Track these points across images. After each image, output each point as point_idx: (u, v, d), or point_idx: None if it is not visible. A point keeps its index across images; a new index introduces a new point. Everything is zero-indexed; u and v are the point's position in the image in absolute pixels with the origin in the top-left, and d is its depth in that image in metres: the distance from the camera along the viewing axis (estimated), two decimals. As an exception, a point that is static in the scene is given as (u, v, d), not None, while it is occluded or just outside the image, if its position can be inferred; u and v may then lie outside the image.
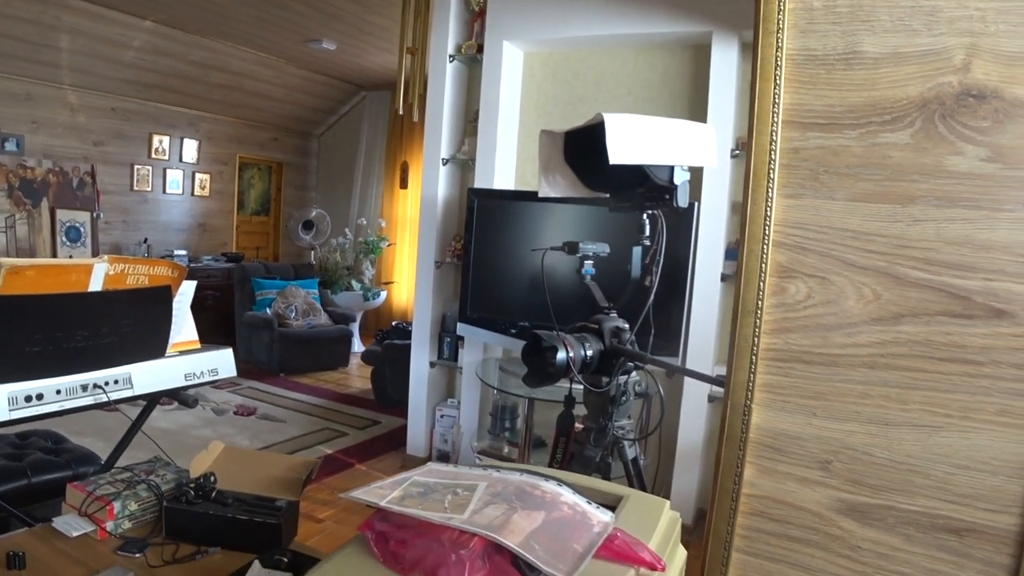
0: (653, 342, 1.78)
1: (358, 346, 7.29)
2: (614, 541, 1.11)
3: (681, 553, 1.36)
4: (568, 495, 1.14)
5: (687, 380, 3.39)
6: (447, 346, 4.12)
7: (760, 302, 0.89)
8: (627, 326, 1.75)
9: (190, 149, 7.73)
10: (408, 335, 4.53)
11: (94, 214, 6.71)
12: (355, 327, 7.34)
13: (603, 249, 1.86)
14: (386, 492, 1.08)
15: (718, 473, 0.87)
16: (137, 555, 1.76)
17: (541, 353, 1.57)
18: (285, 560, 1.60)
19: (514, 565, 0.97)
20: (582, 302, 1.90)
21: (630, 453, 1.72)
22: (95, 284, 2.10)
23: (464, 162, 4.07)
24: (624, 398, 1.71)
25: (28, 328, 1.99)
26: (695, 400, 3.40)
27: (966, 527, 0.77)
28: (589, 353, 1.65)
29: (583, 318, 1.82)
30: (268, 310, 6.53)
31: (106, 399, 2.19)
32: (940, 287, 0.81)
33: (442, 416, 4.07)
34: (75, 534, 1.83)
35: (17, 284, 1.91)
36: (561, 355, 1.57)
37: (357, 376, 6.53)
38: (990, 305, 0.79)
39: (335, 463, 4.13)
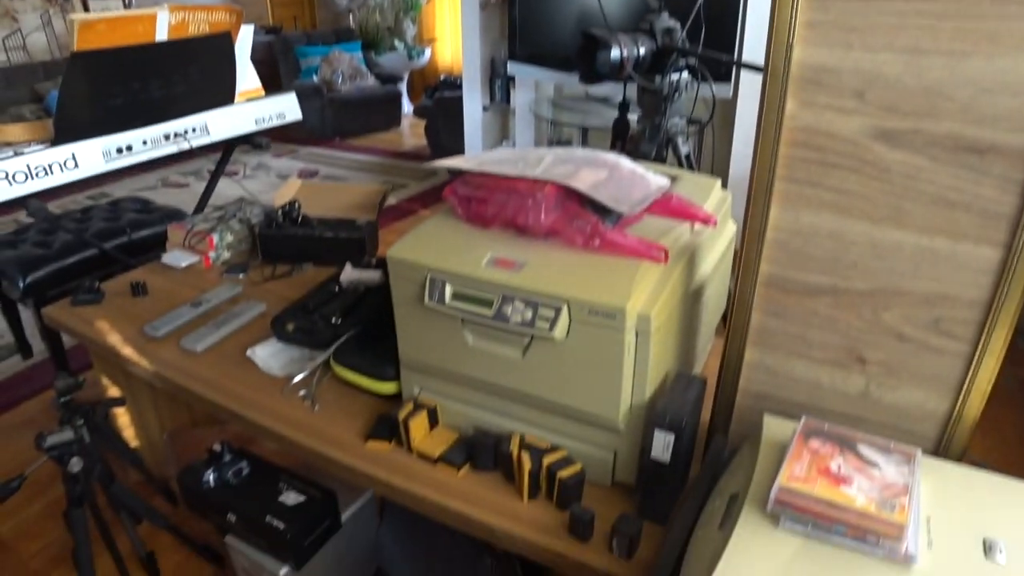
0: (704, 41, 1.79)
1: (408, 106, 7.30)
2: (671, 201, 1.23)
3: (731, 227, 1.48)
4: (628, 162, 1.24)
5: (740, 108, 3.36)
6: (499, 88, 4.13)
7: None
8: (678, 25, 1.76)
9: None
10: (457, 87, 4.52)
11: None
12: (403, 87, 7.30)
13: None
14: (465, 162, 1.21)
15: (763, 110, 0.94)
16: (241, 275, 1.98)
17: (595, 51, 1.61)
18: (373, 261, 1.79)
19: (582, 208, 1.10)
20: (632, 12, 1.88)
21: (684, 149, 1.80)
22: (161, 33, 2.17)
23: None
24: (677, 95, 1.75)
25: (106, 81, 2.09)
26: (747, 126, 3.39)
27: (987, 147, 0.84)
28: (642, 51, 1.68)
29: (633, 26, 1.82)
30: (315, 77, 6.51)
31: (188, 146, 2.33)
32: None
33: (498, 160, 4.16)
34: (183, 264, 2.05)
35: (90, 38, 1.99)
36: (615, 52, 1.60)
37: (410, 134, 6.62)
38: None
39: (399, 211, 4.34)
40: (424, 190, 4.74)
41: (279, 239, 2.00)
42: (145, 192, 4.68)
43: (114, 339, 1.69)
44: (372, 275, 1.72)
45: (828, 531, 0.77)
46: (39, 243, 2.43)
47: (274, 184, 5.04)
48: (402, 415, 1.25)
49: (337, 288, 1.70)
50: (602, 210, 1.10)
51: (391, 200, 4.51)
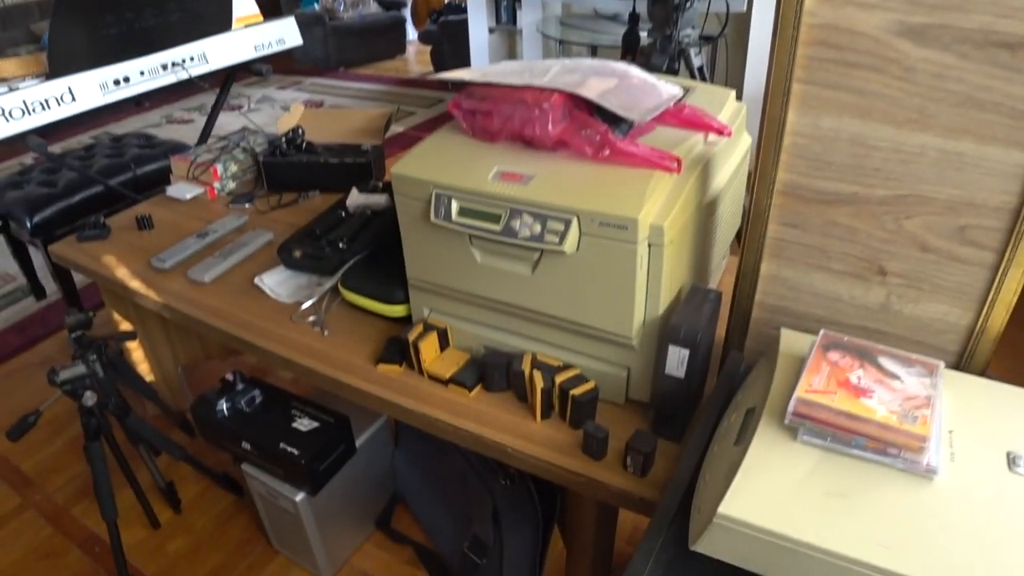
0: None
1: (412, 33, 7.11)
2: (683, 111, 1.18)
3: (746, 139, 1.43)
4: (638, 71, 1.18)
5: (755, 21, 3.24)
6: (504, 10, 4.01)
7: None
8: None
9: None
10: (462, 10, 4.38)
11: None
12: (406, 12, 7.10)
13: None
14: (469, 74, 1.16)
15: (779, 6, 0.88)
16: (247, 205, 1.95)
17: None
18: (380, 184, 1.75)
19: (591, 117, 1.05)
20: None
21: (696, 62, 1.74)
22: (148, -46, 2.09)
23: None
24: (688, 4, 1.68)
25: (98, 10, 2.03)
26: (762, 39, 3.28)
27: (1019, 41, 0.79)
28: (651, -42, 1.60)
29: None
30: (316, 6, 6.35)
31: (187, 75, 2.27)
32: None
33: (506, 84, 4.06)
34: (188, 196, 2.02)
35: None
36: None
37: (416, 61, 6.48)
38: None
39: (407, 139, 4.27)
40: (432, 117, 4.66)
41: (283, 167, 1.96)
42: (150, 130, 4.62)
43: (122, 273, 1.67)
44: (379, 199, 1.68)
45: (847, 444, 0.75)
46: (44, 183, 2.41)
47: (279, 116, 4.96)
48: (412, 337, 1.24)
49: (344, 213, 1.67)
50: (612, 119, 1.05)
51: (398, 128, 4.44)
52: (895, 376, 0.81)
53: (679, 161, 1.03)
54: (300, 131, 2.00)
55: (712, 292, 1.08)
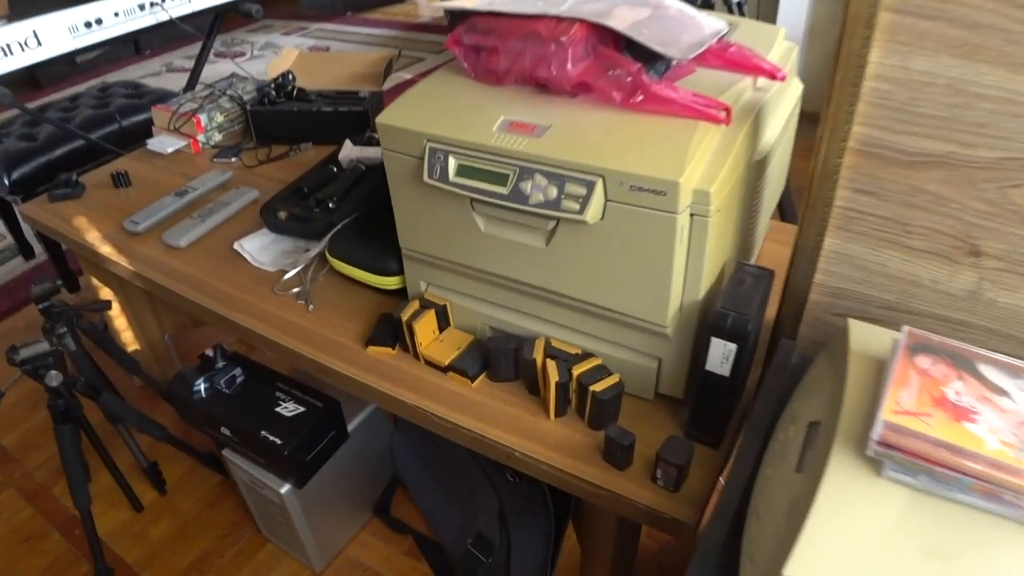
0: None
1: (424, -24, 6.82)
2: (728, 50, 0.98)
3: (797, 85, 1.23)
4: (674, 1, 0.99)
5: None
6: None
7: None
8: None
9: None
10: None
11: None
12: (417, -46, 6.80)
13: None
14: (473, 1, 0.96)
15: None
16: (233, 159, 1.78)
17: None
18: (375, 136, 1.56)
19: (620, 54, 0.86)
20: None
21: (735, -3, 1.53)
22: None
23: None
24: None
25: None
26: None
27: None
28: None
29: None
30: (323, -56, 6.06)
31: (167, 16, 2.08)
32: None
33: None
34: (170, 150, 1.84)
35: None
36: None
37: (426, 6, 6.19)
38: None
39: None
40: (442, 63, 4.42)
41: (273, 116, 1.78)
42: (148, 79, 4.41)
43: (92, 236, 1.51)
44: (374, 152, 1.50)
45: (949, 485, 0.58)
46: (24, 136, 2.23)
47: (284, 62, 4.73)
48: (406, 316, 1.07)
49: (335, 169, 1.50)
50: (645, 57, 0.86)
51: (405, 75, 4.21)
52: (1002, 391, 0.64)
53: (728, 110, 0.84)
54: (291, 77, 1.82)
55: (763, 272, 0.90)
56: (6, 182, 2.07)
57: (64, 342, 1.45)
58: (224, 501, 1.69)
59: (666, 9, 0.92)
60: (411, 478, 1.56)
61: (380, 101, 1.77)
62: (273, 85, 1.81)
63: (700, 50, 0.88)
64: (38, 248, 2.63)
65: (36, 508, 1.73)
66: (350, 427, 1.38)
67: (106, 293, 1.75)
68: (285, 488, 1.31)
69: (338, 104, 1.73)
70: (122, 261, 1.42)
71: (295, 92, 1.79)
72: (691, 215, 0.81)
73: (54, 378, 1.33)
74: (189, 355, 2.01)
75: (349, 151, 1.52)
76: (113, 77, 4.49)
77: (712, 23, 0.96)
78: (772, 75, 0.98)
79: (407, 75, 4.23)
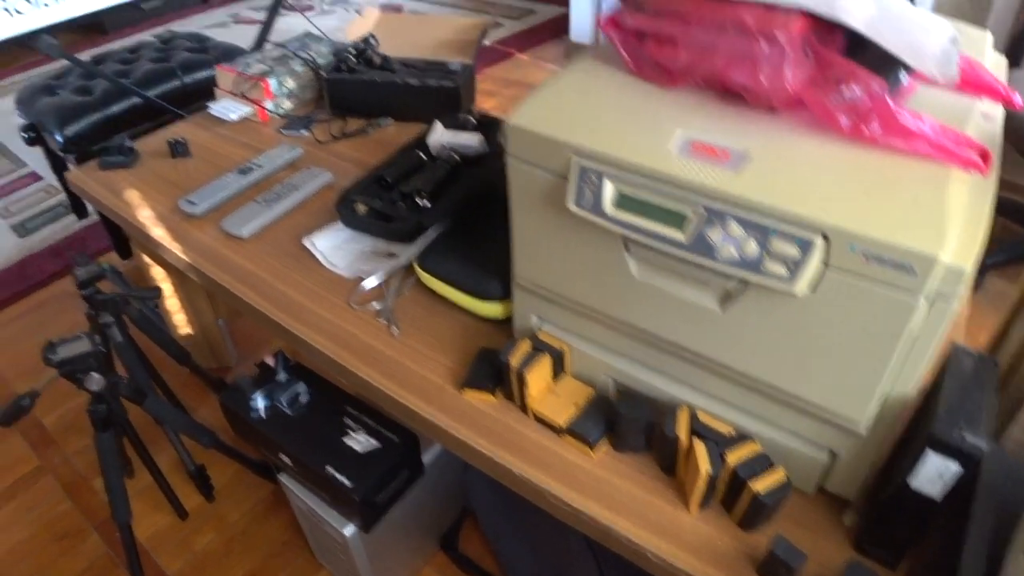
0: None
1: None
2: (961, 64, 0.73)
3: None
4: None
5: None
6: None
7: None
8: None
9: None
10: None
11: None
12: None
13: None
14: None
15: None
16: (303, 132, 1.58)
17: None
18: (473, 120, 1.35)
19: (850, 63, 0.62)
20: None
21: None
22: None
23: None
24: None
25: None
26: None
27: None
28: None
29: None
30: None
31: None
32: None
33: (608, -6, 3.55)
34: (234, 117, 1.65)
35: None
36: None
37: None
38: None
39: (495, 53, 3.80)
40: (519, 32, 4.15)
41: (351, 86, 1.57)
42: (214, 31, 4.24)
43: (144, 215, 1.33)
44: (470, 139, 1.29)
45: None
46: (79, 89, 2.06)
47: (352, 21, 4.52)
48: (515, 360, 0.86)
49: (423, 156, 1.29)
50: (882, 67, 0.62)
51: (483, 42, 3.96)
52: None
53: (986, 154, 0.60)
54: (373, 41, 1.60)
55: (985, 361, 0.66)
56: (59, 138, 1.91)
57: (110, 332, 1.29)
58: (275, 515, 1.53)
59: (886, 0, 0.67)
60: (486, 514, 1.37)
61: (473, 76, 1.55)
62: (354, 50, 1.59)
63: (957, 64, 0.64)
64: (91, 207, 2.49)
65: (75, 502, 1.59)
66: (426, 459, 1.19)
67: (156, 273, 1.59)
68: (350, 529, 1.13)
69: (426, 77, 1.51)
70: (175, 249, 1.24)
71: (378, 60, 1.58)
72: (934, 298, 0.57)
73: (96, 382, 1.16)
74: (244, 341, 1.85)
75: (440, 135, 1.31)
76: (178, 27, 4.33)
77: (937, 23, 0.71)
78: (1009, 102, 0.73)
79: (485, 42, 3.99)
